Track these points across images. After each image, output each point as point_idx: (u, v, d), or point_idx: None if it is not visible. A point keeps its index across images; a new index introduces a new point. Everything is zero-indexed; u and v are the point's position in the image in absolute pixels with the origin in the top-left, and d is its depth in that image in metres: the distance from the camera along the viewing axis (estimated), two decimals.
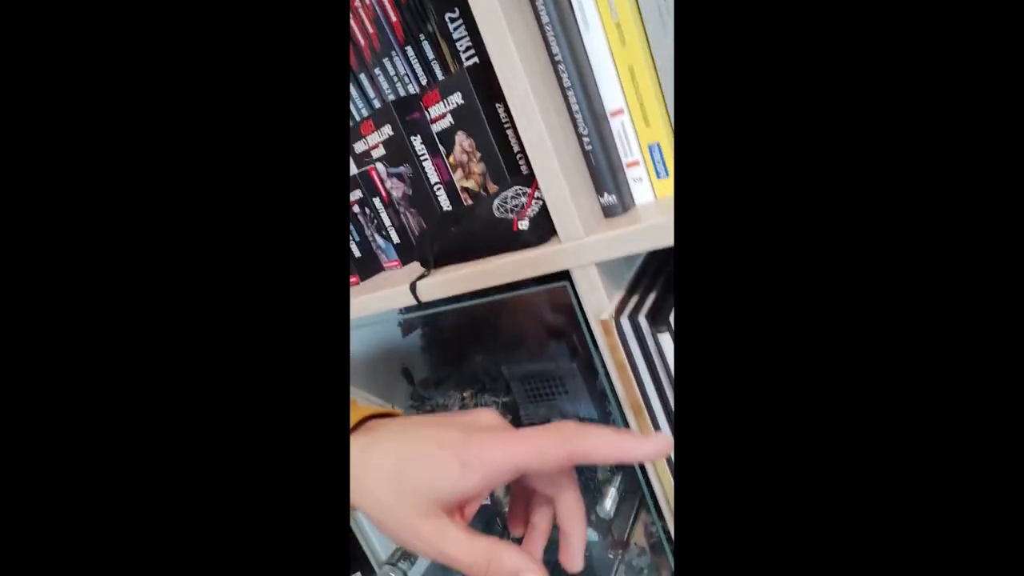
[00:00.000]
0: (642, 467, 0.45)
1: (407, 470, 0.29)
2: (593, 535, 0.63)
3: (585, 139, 0.38)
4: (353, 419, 0.31)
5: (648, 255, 0.46)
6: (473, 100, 0.47)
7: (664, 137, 0.37)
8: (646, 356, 0.36)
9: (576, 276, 0.38)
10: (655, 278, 0.41)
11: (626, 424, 0.43)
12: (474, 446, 0.29)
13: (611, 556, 0.59)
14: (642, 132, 0.37)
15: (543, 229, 0.40)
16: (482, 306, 0.62)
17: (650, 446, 0.30)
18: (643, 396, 0.38)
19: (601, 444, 0.29)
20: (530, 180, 0.45)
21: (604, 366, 0.41)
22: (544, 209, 0.39)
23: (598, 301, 0.38)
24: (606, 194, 0.39)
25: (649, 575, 0.55)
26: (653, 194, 0.39)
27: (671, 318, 0.33)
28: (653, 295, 0.38)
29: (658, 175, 0.38)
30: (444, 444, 0.29)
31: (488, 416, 0.33)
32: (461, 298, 0.45)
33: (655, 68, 0.36)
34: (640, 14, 0.34)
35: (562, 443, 0.29)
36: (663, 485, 0.42)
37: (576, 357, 0.53)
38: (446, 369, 0.74)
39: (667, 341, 0.34)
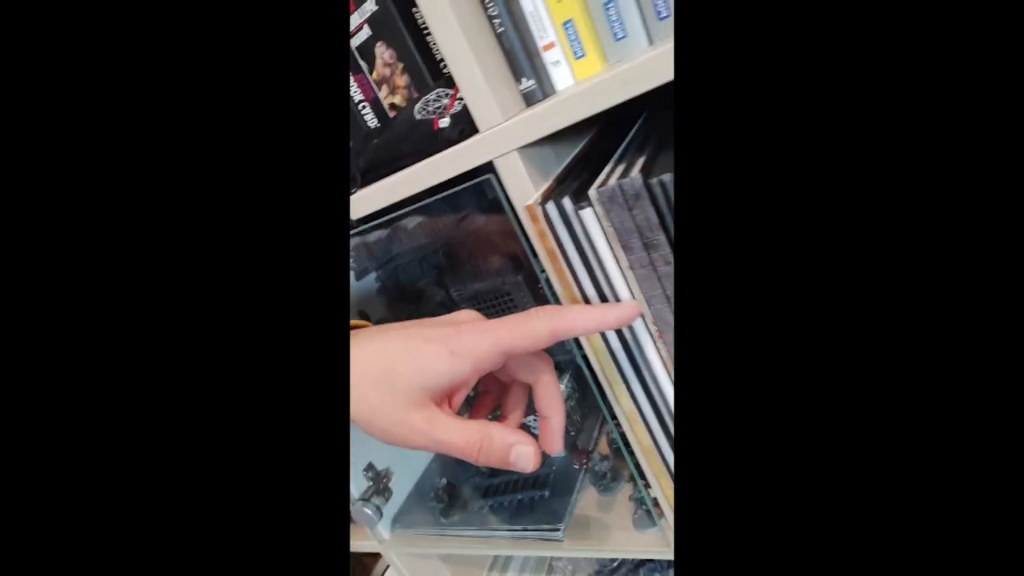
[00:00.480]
0: (595, 380, 0.45)
1: (396, 366, 0.29)
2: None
3: (496, 21, 0.36)
4: None
5: (580, 152, 0.45)
6: (387, 4, 0.45)
7: (578, 13, 0.36)
8: (574, 239, 0.35)
9: (500, 166, 0.37)
10: (583, 166, 0.40)
11: None
12: (463, 335, 0.30)
13: (576, 467, 0.60)
14: (554, 9, 0.36)
15: (464, 124, 0.39)
16: (426, 233, 0.61)
17: (622, 311, 0.34)
18: (577, 284, 0.37)
19: (579, 317, 0.32)
20: (452, 82, 0.43)
21: (539, 260, 0.41)
22: (467, 108, 0.38)
23: (523, 189, 0.37)
24: (524, 79, 0.38)
25: (611, 477, 0.56)
26: (572, 76, 0.38)
27: (590, 191, 0.33)
28: (578, 182, 0.37)
29: (575, 55, 0.37)
30: (431, 338, 0.30)
31: (468, 313, 0.34)
32: (392, 210, 0.44)
33: None
34: None
35: (545, 321, 0.31)
36: (611, 385, 0.42)
37: (520, 270, 0.52)
38: (404, 308, 0.73)
39: (589, 217, 0.34)
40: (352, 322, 0.35)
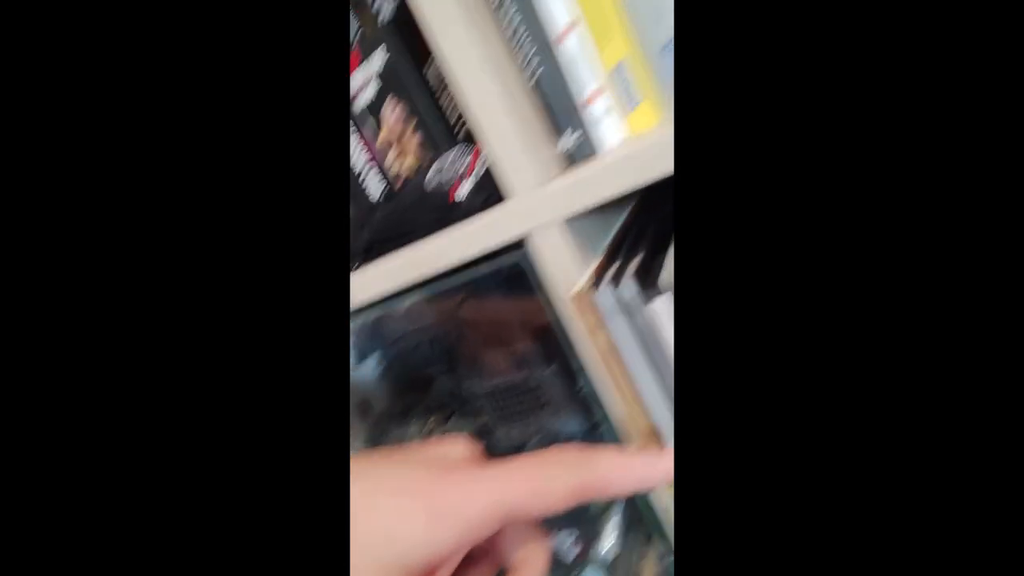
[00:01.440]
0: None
1: (362, 529, 0.22)
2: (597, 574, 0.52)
3: (531, 67, 0.29)
4: None
5: (629, 215, 0.37)
6: (400, 54, 0.39)
7: (628, 53, 0.29)
8: (637, 332, 0.27)
9: (536, 243, 0.29)
10: (639, 238, 0.32)
11: (616, 436, 0.34)
12: (447, 489, 0.22)
13: None
14: (604, 50, 0.29)
15: (490, 190, 0.32)
16: (440, 316, 0.53)
17: (667, 463, 0.24)
18: (640, 389, 0.28)
19: (617, 469, 0.23)
20: (472, 139, 0.36)
21: (579, 360, 0.32)
22: (492, 170, 0.30)
23: (565, 271, 0.29)
24: (565, 135, 0.31)
25: None
26: (624, 130, 0.31)
27: (663, 278, 0.25)
28: (639, 257, 0.29)
29: (627, 105, 0.30)
30: (404, 489, 0.23)
31: (458, 446, 0.25)
32: (400, 294, 0.36)
33: None
34: None
35: (567, 475, 0.22)
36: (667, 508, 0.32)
37: (552, 360, 0.44)
38: (412, 397, 0.64)
39: (662, 308, 0.25)
40: None
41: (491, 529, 0.22)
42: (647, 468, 0.24)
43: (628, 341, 0.27)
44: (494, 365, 0.48)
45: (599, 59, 0.29)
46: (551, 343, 0.44)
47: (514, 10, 0.29)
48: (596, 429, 0.44)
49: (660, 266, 0.26)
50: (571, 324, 0.31)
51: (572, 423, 0.46)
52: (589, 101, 0.30)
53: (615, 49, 0.29)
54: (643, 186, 0.26)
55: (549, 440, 0.49)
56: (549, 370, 0.44)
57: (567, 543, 0.54)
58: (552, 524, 0.54)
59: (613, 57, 0.29)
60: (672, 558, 0.41)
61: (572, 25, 0.29)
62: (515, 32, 0.29)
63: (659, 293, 0.25)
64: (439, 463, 0.24)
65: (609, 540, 0.46)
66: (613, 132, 0.30)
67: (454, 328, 0.53)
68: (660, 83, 0.29)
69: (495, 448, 0.52)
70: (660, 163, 0.25)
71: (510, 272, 0.33)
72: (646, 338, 0.27)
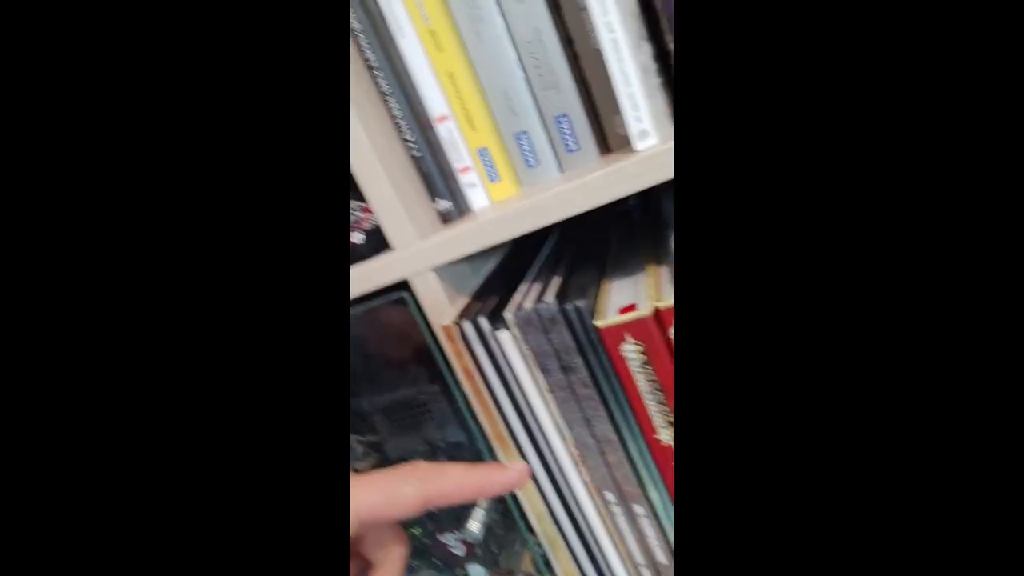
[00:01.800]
0: (515, 500, 0.43)
1: None
2: (480, 570, 0.59)
3: (412, 145, 0.37)
4: None
5: (497, 268, 0.45)
6: None
7: (492, 142, 0.37)
8: (492, 360, 0.35)
9: (416, 284, 0.37)
10: (498, 285, 0.40)
11: (485, 438, 0.42)
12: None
13: None
14: (470, 137, 0.38)
15: (378, 240, 0.38)
16: None
17: (508, 476, 0.28)
18: (495, 403, 0.36)
19: (458, 481, 0.27)
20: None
21: (455, 378, 0.39)
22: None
23: (440, 308, 0.37)
24: (440, 200, 0.38)
25: None
26: (488, 198, 0.39)
27: (506, 314, 0.33)
28: (494, 301, 0.37)
29: (491, 179, 0.38)
30: None
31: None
32: None
33: (475, 74, 0.36)
34: (453, 19, 0.35)
35: (416, 485, 0.26)
36: (532, 508, 0.40)
37: (437, 378, 0.51)
38: None
39: (507, 339, 0.33)
40: None
41: (352, 535, 0.25)
42: (487, 478, 0.28)
43: (484, 363, 0.35)
44: (388, 383, 0.54)
45: (466, 143, 0.38)
46: (434, 365, 0.51)
47: (396, 102, 0.36)
48: (473, 440, 0.51)
49: (506, 306, 0.34)
50: (446, 349, 0.38)
51: (453, 434, 0.53)
52: (460, 172, 0.39)
53: (479, 136, 0.37)
54: (502, 243, 0.34)
55: (435, 451, 0.55)
56: (433, 388, 0.51)
57: (454, 542, 0.61)
58: (440, 525, 0.60)
59: (478, 142, 0.38)
60: (536, 551, 0.49)
61: (444, 117, 0.37)
62: (399, 118, 0.37)
63: (505, 327, 0.33)
64: None
65: (476, 525, 0.53)
66: (479, 199, 0.39)
67: (354, 351, 0.59)
68: (515, 163, 0.38)
69: (386, 460, 0.58)
70: (524, 224, 0.33)
71: (397, 303, 0.40)
72: (497, 361, 0.35)
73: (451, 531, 0.63)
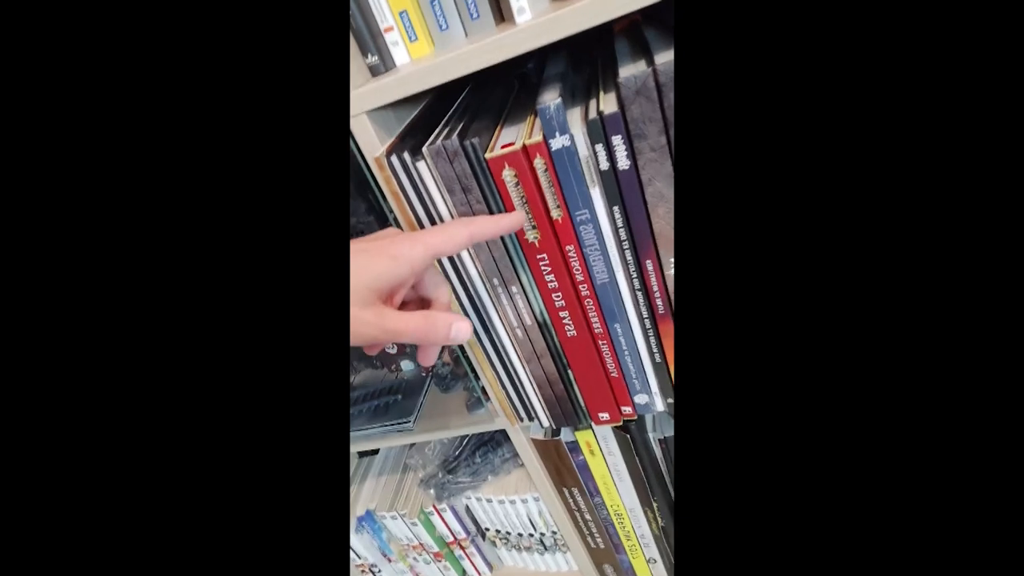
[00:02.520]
0: None
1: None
2: (409, 364, 0.76)
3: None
4: None
5: (417, 115, 0.55)
6: None
7: (410, 5, 0.46)
8: (412, 184, 0.47)
9: (353, 126, 0.47)
10: (419, 128, 0.51)
11: None
12: (400, 242, 0.35)
13: (423, 374, 0.73)
14: (392, 1, 0.46)
15: None
16: None
17: (513, 218, 0.42)
18: (416, 217, 0.49)
19: (486, 224, 0.40)
20: None
21: (386, 201, 0.51)
22: None
23: (372, 144, 0.47)
24: (369, 55, 0.47)
25: (451, 378, 0.70)
26: (408, 56, 0.48)
27: (423, 149, 0.44)
28: (415, 139, 0.48)
29: (410, 39, 0.48)
30: (369, 249, 0.34)
31: (392, 229, 0.40)
32: None
33: None
34: None
35: (463, 228, 0.38)
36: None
37: (372, 211, 0.62)
38: None
39: (423, 168, 0.45)
40: None
41: (426, 265, 0.36)
42: (502, 220, 0.41)
43: (406, 185, 0.47)
44: None
45: (389, 6, 0.46)
46: (370, 195, 0.62)
47: None
48: None
49: (426, 141, 0.45)
50: (378, 177, 0.50)
51: None
52: (385, 32, 0.47)
53: (400, 2, 0.46)
54: (420, 92, 0.44)
55: None
56: (369, 219, 0.63)
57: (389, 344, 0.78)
58: None
59: (399, 5, 0.46)
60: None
61: None
62: None
63: (423, 159, 0.45)
64: (385, 236, 0.38)
65: None
66: (401, 56, 0.48)
67: None
68: (430, 26, 0.47)
69: None
70: (433, 77, 0.43)
71: None
72: (416, 184, 0.47)
73: None
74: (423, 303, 0.42)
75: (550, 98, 0.41)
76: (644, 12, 0.40)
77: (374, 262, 0.33)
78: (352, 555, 0.91)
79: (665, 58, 0.38)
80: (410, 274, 0.35)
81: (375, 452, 0.96)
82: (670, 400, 0.54)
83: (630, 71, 0.39)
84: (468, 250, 0.49)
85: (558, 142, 0.41)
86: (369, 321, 0.32)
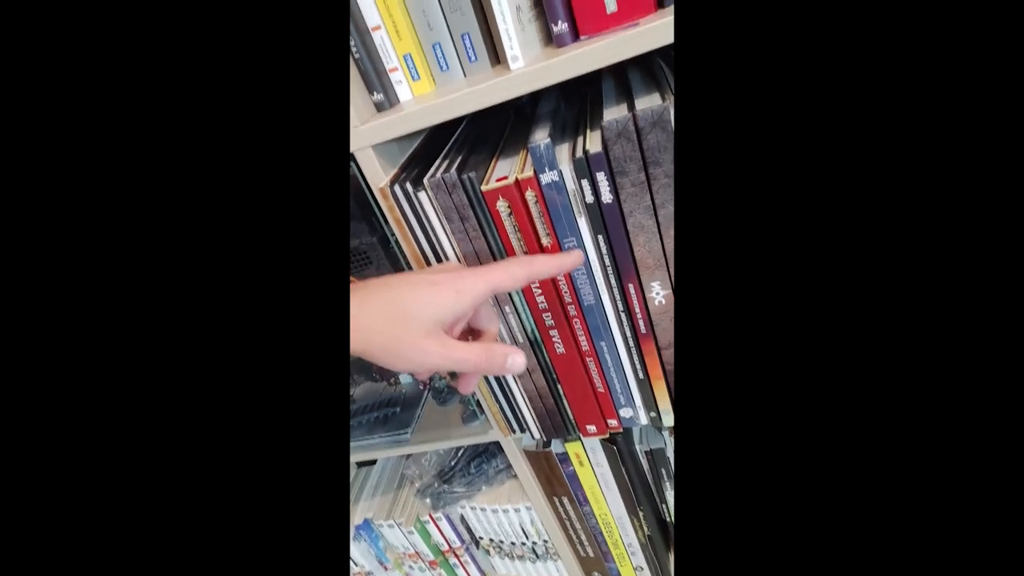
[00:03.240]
0: None
1: (410, 307, 0.35)
2: (407, 378, 0.80)
3: (353, 49, 0.49)
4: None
5: (418, 147, 0.59)
6: None
7: (414, 49, 0.50)
8: (414, 212, 0.51)
9: (359, 158, 0.51)
10: (420, 159, 0.55)
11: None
12: (465, 278, 0.37)
13: (421, 387, 0.77)
14: (397, 44, 0.50)
15: None
16: None
17: (573, 258, 0.44)
18: (417, 244, 0.53)
19: (545, 264, 0.42)
20: None
21: (389, 227, 0.55)
22: None
23: (376, 175, 0.51)
24: (375, 93, 0.51)
25: (447, 392, 0.74)
26: (411, 93, 0.52)
27: (424, 180, 0.48)
28: (417, 170, 0.52)
29: (413, 78, 0.52)
30: (437, 282, 0.37)
31: (453, 263, 0.45)
32: None
33: None
34: None
35: (524, 267, 0.40)
36: None
37: (375, 232, 0.66)
38: None
39: (424, 198, 0.49)
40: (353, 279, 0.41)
41: (484, 300, 0.39)
42: (561, 261, 0.42)
43: (408, 213, 0.51)
44: None
45: (394, 49, 0.50)
46: (373, 219, 0.66)
47: None
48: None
49: (424, 175, 0.49)
50: (382, 205, 0.53)
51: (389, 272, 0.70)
52: (390, 72, 0.51)
53: (404, 44, 0.50)
54: (422, 128, 0.48)
55: None
56: (372, 239, 0.66)
57: None
58: None
59: (403, 49, 0.50)
60: None
61: (378, 27, 0.49)
62: None
63: (423, 189, 0.49)
64: (449, 269, 0.41)
65: None
66: (404, 94, 0.52)
67: None
68: (431, 67, 0.51)
69: None
70: (434, 116, 0.47)
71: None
72: (418, 213, 0.51)
73: None
74: (472, 333, 0.44)
75: (540, 137, 0.45)
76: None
77: (441, 295, 0.36)
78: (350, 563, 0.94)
79: (645, 104, 0.42)
80: (471, 308, 0.37)
81: (373, 462, 0.99)
82: (652, 414, 0.58)
83: (613, 114, 0.43)
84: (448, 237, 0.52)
85: (547, 177, 0.45)
86: (435, 351, 0.34)
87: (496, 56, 0.50)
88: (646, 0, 0.43)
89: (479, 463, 0.84)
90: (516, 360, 0.38)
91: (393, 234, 0.57)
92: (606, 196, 0.45)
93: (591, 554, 0.81)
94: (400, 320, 0.34)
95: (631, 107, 0.43)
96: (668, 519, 0.78)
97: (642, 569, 0.80)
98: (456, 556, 0.90)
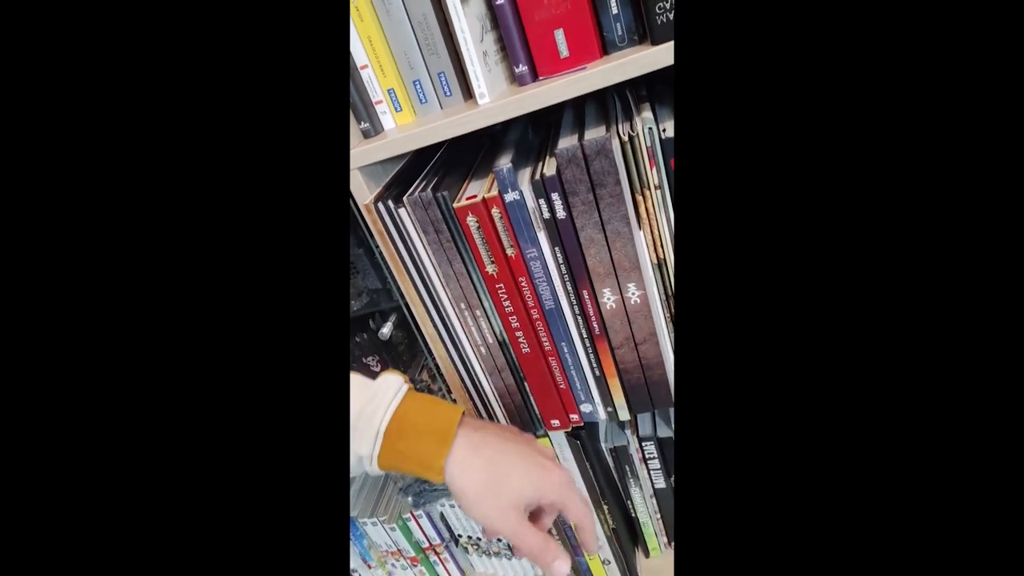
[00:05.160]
0: (419, 332, 0.68)
1: (512, 476, 0.40)
2: None
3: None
4: (453, 415, 0.43)
5: (399, 170, 0.67)
6: None
7: (397, 84, 0.57)
8: (396, 225, 0.58)
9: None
10: (401, 180, 0.62)
11: (394, 279, 0.65)
12: (552, 473, 0.42)
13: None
14: (382, 80, 0.57)
15: None
16: None
17: (592, 542, 0.46)
18: (398, 253, 0.60)
19: (580, 509, 0.44)
20: None
21: (374, 239, 0.62)
22: None
23: (363, 194, 0.58)
24: (362, 122, 0.59)
25: (428, 393, 0.80)
26: (394, 123, 0.59)
27: (404, 198, 0.55)
28: (398, 190, 0.59)
29: (396, 109, 0.59)
30: (544, 464, 0.42)
31: (550, 448, 0.51)
32: None
33: (386, 39, 0.55)
34: (372, 1, 0.53)
35: (582, 507, 0.44)
36: (429, 337, 0.65)
37: (361, 244, 0.73)
38: None
39: (404, 214, 0.56)
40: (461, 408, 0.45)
41: (556, 507, 0.42)
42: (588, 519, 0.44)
43: (390, 227, 0.58)
44: None
45: (379, 84, 0.57)
46: (360, 232, 0.73)
47: None
48: (386, 282, 0.74)
49: (404, 193, 0.56)
50: (368, 220, 0.60)
51: (372, 283, 0.76)
52: (376, 104, 0.59)
53: (388, 80, 0.57)
54: (403, 153, 0.55)
55: (360, 294, 0.79)
56: (359, 251, 0.73)
57: (373, 363, 0.87)
58: (363, 350, 0.85)
59: (387, 84, 0.57)
60: (431, 362, 0.75)
61: (365, 66, 0.56)
62: None
63: (404, 207, 0.56)
64: (546, 454, 0.44)
65: (386, 328, 0.77)
66: (388, 123, 0.59)
67: None
68: (412, 100, 0.58)
69: None
70: (414, 143, 0.54)
71: None
72: (399, 227, 0.57)
73: (371, 354, 0.88)
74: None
75: (504, 162, 0.52)
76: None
77: (531, 479, 0.40)
78: None
79: (592, 134, 0.50)
80: (546, 502, 0.42)
81: None
82: (609, 408, 0.64)
83: (566, 143, 0.51)
84: (440, 278, 0.59)
85: (510, 196, 0.52)
86: (512, 523, 0.39)
87: (469, 92, 0.57)
88: (593, 47, 0.50)
89: None
90: (560, 566, 0.40)
91: (377, 246, 0.64)
92: (561, 213, 0.52)
93: None
94: (502, 483, 0.39)
95: (581, 137, 0.51)
96: (634, 515, 0.84)
97: (609, 562, 0.85)
98: (436, 553, 0.95)
